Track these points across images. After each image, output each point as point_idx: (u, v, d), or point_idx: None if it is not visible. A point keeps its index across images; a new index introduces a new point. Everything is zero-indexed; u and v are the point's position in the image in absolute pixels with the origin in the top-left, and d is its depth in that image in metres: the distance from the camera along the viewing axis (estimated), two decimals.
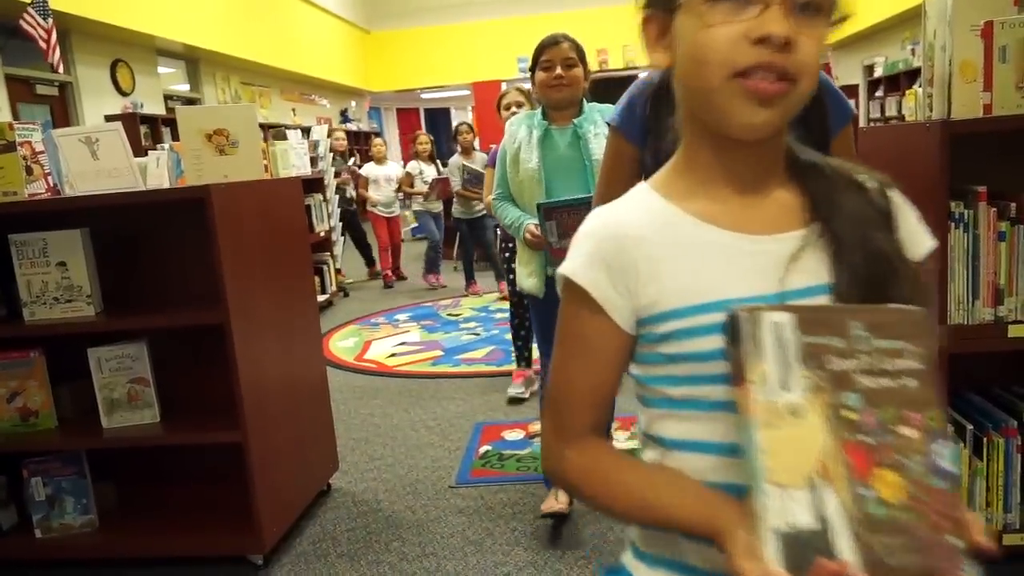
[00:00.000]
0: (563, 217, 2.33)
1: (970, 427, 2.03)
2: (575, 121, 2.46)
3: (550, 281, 2.46)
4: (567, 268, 0.81)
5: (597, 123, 2.45)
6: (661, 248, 0.78)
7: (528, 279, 2.58)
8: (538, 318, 2.70)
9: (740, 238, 0.78)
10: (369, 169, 7.74)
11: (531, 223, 2.49)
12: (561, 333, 0.85)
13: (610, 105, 2.10)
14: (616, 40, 14.44)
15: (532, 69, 2.51)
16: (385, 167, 7.74)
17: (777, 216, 0.79)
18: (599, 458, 0.84)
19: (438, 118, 20.39)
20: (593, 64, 3.40)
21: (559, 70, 2.41)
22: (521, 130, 2.55)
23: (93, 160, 2.38)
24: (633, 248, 0.79)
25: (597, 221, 0.83)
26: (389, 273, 7.85)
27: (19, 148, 2.42)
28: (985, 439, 2.02)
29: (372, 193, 7.58)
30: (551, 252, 2.39)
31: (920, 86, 2.21)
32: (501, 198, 2.66)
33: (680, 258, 0.78)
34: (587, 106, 2.50)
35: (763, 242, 0.78)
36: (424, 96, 19.44)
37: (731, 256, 0.77)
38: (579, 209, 2.24)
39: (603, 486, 0.82)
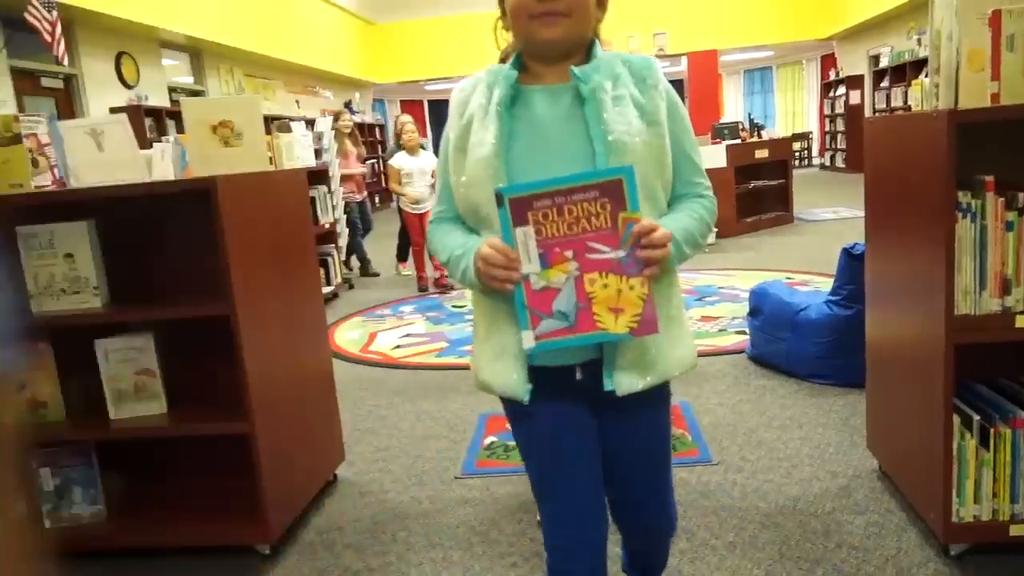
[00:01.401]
0: (546, 215, 1.23)
1: (977, 418, 2.03)
2: (577, 72, 1.34)
3: (542, 373, 1.38)
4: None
5: (620, 80, 1.37)
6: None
7: (493, 366, 1.42)
8: (523, 438, 1.51)
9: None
10: (401, 161, 6.76)
11: (486, 245, 1.29)
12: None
13: (646, 57, 1.43)
14: (620, 31, 14.44)
15: None
16: (419, 158, 6.80)
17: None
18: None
19: (442, 110, 20.37)
20: None
21: None
22: (475, 95, 1.43)
23: (99, 152, 2.39)
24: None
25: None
26: (424, 276, 6.96)
27: (25, 140, 2.43)
28: (992, 430, 2.01)
29: (407, 189, 6.77)
30: (528, 297, 1.25)
31: (927, 76, 2.19)
32: (441, 220, 1.49)
33: None
34: (601, 52, 1.40)
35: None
36: (428, 88, 19.40)
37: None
38: (573, 194, 1.21)
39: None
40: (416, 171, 6.78)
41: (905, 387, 2.30)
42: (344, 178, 7.56)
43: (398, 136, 6.97)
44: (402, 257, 7.90)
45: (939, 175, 1.93)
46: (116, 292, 2.48)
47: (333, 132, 7.64)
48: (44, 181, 2.52)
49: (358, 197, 7.87)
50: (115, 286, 2.48)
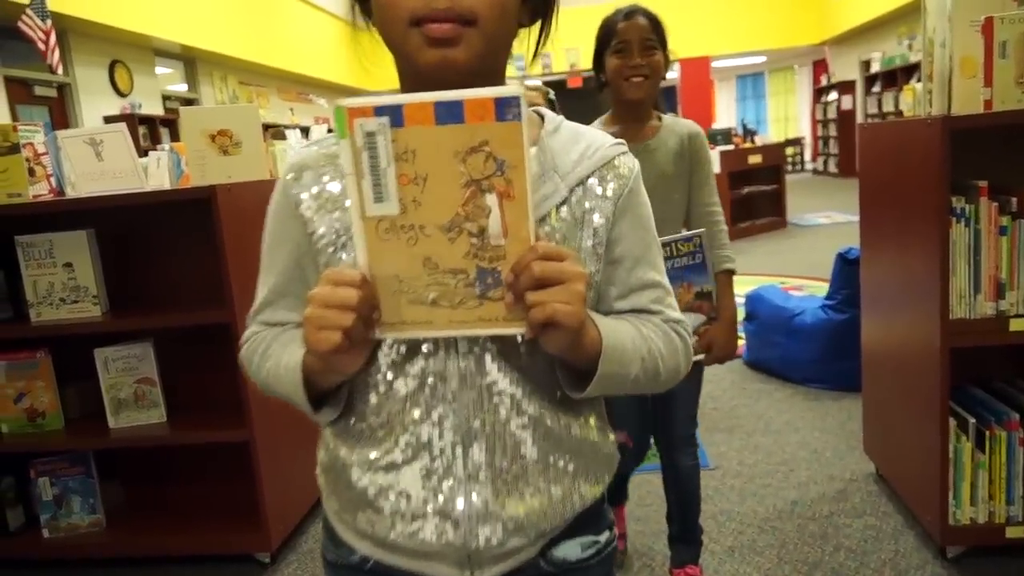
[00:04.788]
0: None
1: (972, 420, 2.04)
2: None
3: None
4: None
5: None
6: None
7: None
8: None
9: None
10: None
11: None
12: None
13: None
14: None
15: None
16: None
17: None
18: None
19: None
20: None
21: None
22: None
23: (97, 161, 2.39)
24: None
25: None
26: None
27: (22, 150, 2.43)
28: (987, 432, 2.03)
29: None
30: None
31: (918, 81, 2.22)
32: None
33: None
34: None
35: None
36: None
37: None
38: None
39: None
40: None
41: (901, 391, 2.32)
42: None
43: None
44: None
45: (933, 180, 1.95)
46: (115, 301, 2.48)
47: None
48: (41, 190, 2.52)
49: None
50: (114, 295, 2.48)
